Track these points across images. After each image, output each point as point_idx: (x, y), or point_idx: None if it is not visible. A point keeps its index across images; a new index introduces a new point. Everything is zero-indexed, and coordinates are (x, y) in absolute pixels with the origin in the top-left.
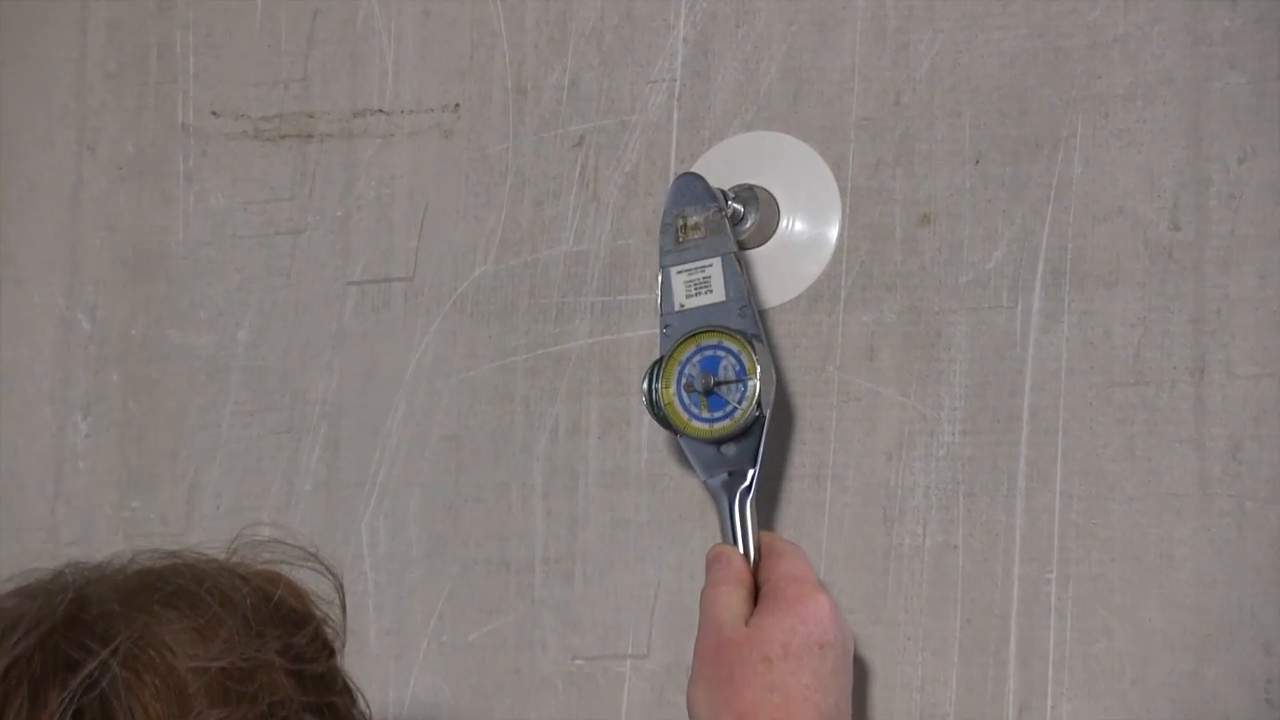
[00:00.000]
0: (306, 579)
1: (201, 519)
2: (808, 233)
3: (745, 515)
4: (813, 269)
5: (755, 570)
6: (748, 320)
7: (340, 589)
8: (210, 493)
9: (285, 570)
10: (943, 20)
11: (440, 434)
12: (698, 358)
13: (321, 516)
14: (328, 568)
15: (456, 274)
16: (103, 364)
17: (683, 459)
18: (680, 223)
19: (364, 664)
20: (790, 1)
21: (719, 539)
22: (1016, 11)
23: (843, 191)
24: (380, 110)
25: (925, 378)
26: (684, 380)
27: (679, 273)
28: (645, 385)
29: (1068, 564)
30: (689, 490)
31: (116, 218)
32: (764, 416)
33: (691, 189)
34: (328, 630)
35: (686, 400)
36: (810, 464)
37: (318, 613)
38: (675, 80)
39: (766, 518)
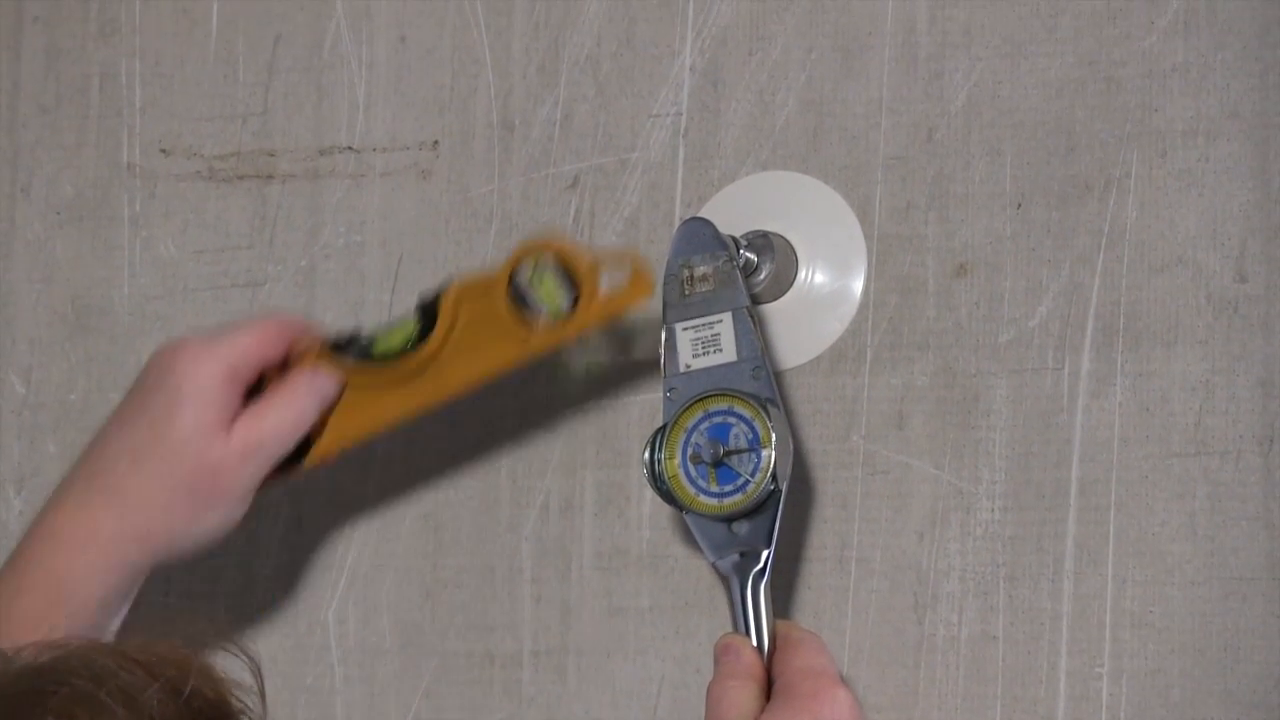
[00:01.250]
0: (220, 663)
1: (150, 607)
2: (829, 285)
3: (758, 601)
4: (835, 326)
5: (769, 663)
6: (762, 383)
7: (258, 674)
8: (159, 577)
9: (197, 653)
10: (981, 47)
11: (417, 511)
12: (706, 425)
13: (284, 604)
14: (242, 649)
15: None
16: (38, 432)
17: (689, 538)
18: (686, 274)
19: None
20: (810, 26)
21: (728, 628)
22: (1064, 37)
23: (868, 239)
24: (349, 148)
25: (961, 448)
26: (690, 450)
27: (685, 330)
28: (647, 456)
29: (1121, 657)
30: (696, 573)
31: (53, 268)
32: (780, 491)
33: (699, 236)
34: None
35: (693, 472)
36: (832, 544)
37: (236, 703)
38: (681, 114)
39: (783, 604)
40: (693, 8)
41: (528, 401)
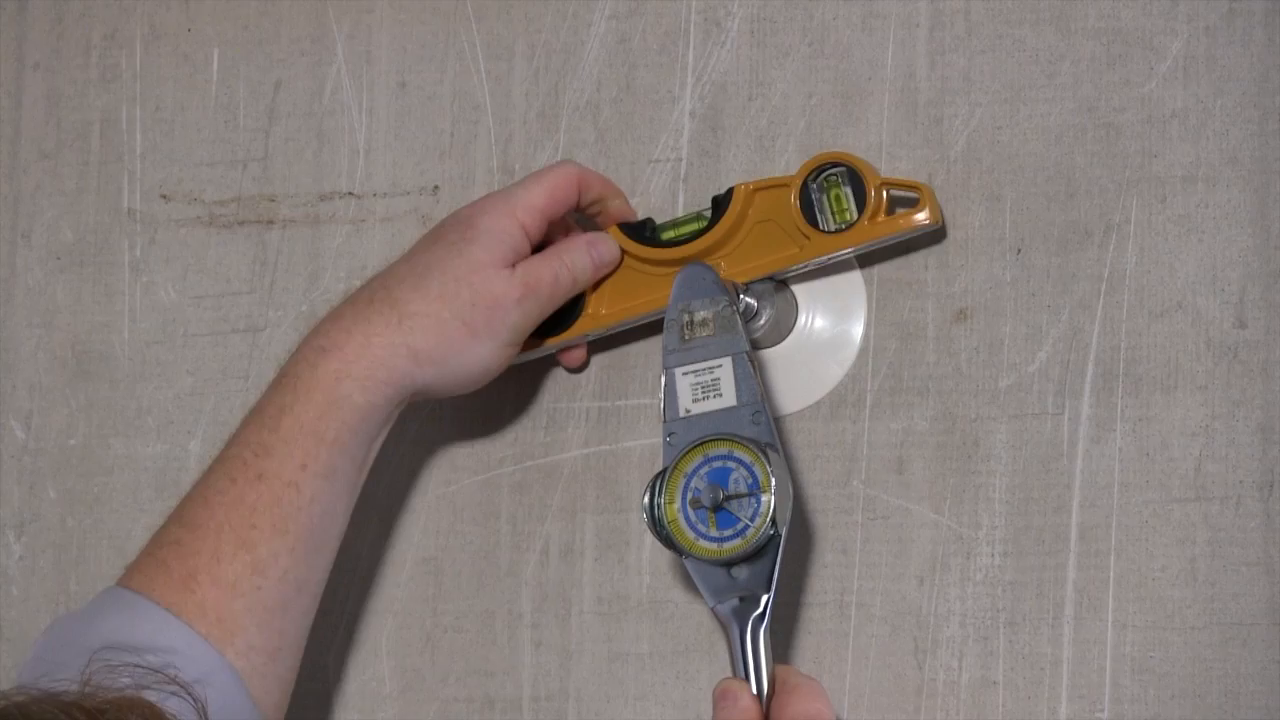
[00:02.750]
0: (168, 705)
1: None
2: (829, 330)
3: (758, 646)
4: (835, 371)
5: (767, 708)
6: (762, 428)
7: (204, 714)
8: None
9: (146, 695)
10: (980, 92)
11: (417, 556)
12: (705, 469)
13: None
14: (187, 690)
15: None
16: (38, 477)
17: (689, 583)
18: (686, 319)
19: None
20: (810, 71)
21: (728, 672)
22: (1063, 83)
23: (868, 284)
24: (350, 193)
25: (961, 493)
26: (690, 495)
27: (685, 374)
28: (646, 500)
29: (1121, 702)
30: (696, 619)
31: (53, 313)
32: (779, 535)
33: (699, 281)
34: None
35: (693, 517)
36: (832, 589)
37: None
38: (681, 159)
39: (783, 649)
40: (692, 54)
41: (527, 446)
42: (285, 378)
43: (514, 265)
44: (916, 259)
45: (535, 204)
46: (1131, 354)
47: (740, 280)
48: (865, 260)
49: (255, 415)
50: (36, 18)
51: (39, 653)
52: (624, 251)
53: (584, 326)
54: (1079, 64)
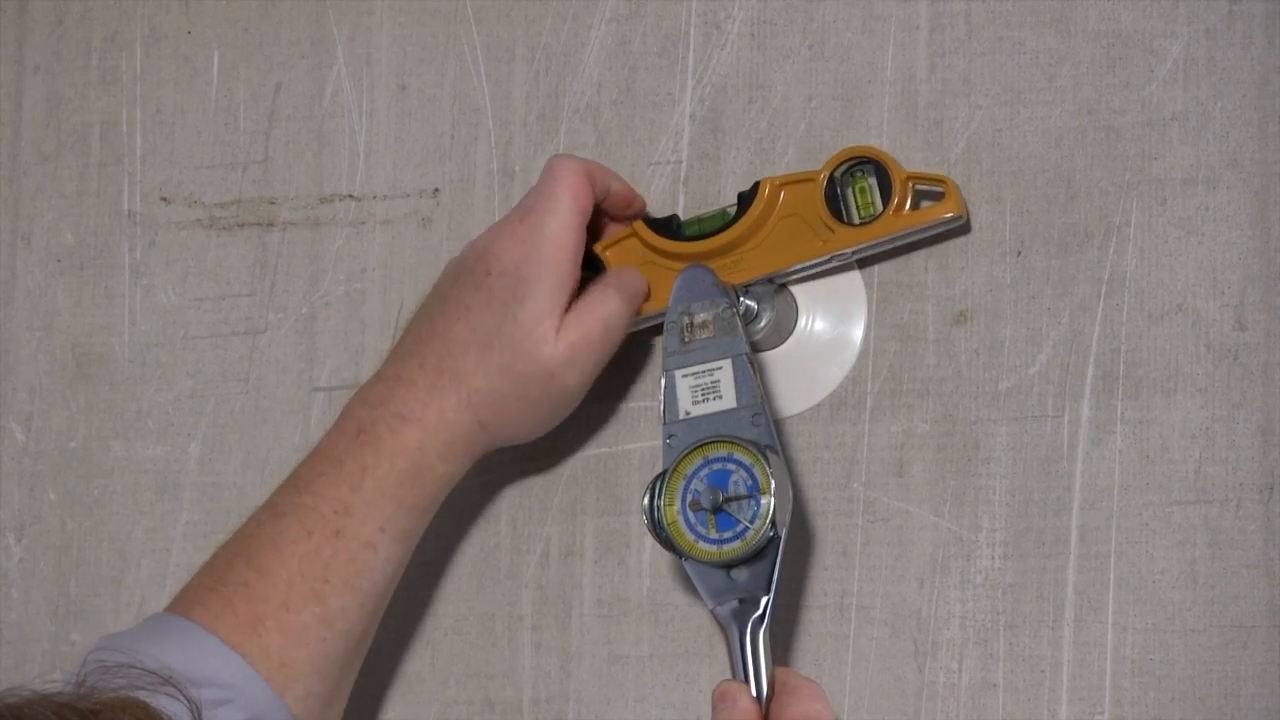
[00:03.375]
0: (164, 706)
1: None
2: (829, 332)
3: (757, 648)
4: (835, 373)
5: (766, 710)
6: (761, 430)
7: (198, 714)
8: None
9: (141, 696)
10: (980, 95)
11: (417, 558)
12: (705, 471)
13: None
14: (181, 691)
15: None
16: (38, 480)
17: (689, 586)
18: (686, 321)
19: None
20: (810, 74)
21: (728, 675)
22: (1063, 86)
23: (868, 286)
24: (350, 195)
25: (961, 495)
26: (690, 497)
27: (685, 376)
28: (646, 502)
29: (1121, 705)
30: (696, 621)
31: (54, 315)
32: (779, 537)
33: (699, 283)
34: None
35: (692, 519)
36: (833, 592)
37: None
38: (681, 162)
39: (782, 651)
40: (693, 56)
41: (527, 448)
42: (364, 435)
43: (563, 315)
44: (916, 261)
45: (572, 228)
46: (1132, 356)
47: (766, 273)
48: (865, 263)
49: (333, 467)
50: (37, 20)
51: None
52: (649, 246)
53: None
54: (1079, 66)
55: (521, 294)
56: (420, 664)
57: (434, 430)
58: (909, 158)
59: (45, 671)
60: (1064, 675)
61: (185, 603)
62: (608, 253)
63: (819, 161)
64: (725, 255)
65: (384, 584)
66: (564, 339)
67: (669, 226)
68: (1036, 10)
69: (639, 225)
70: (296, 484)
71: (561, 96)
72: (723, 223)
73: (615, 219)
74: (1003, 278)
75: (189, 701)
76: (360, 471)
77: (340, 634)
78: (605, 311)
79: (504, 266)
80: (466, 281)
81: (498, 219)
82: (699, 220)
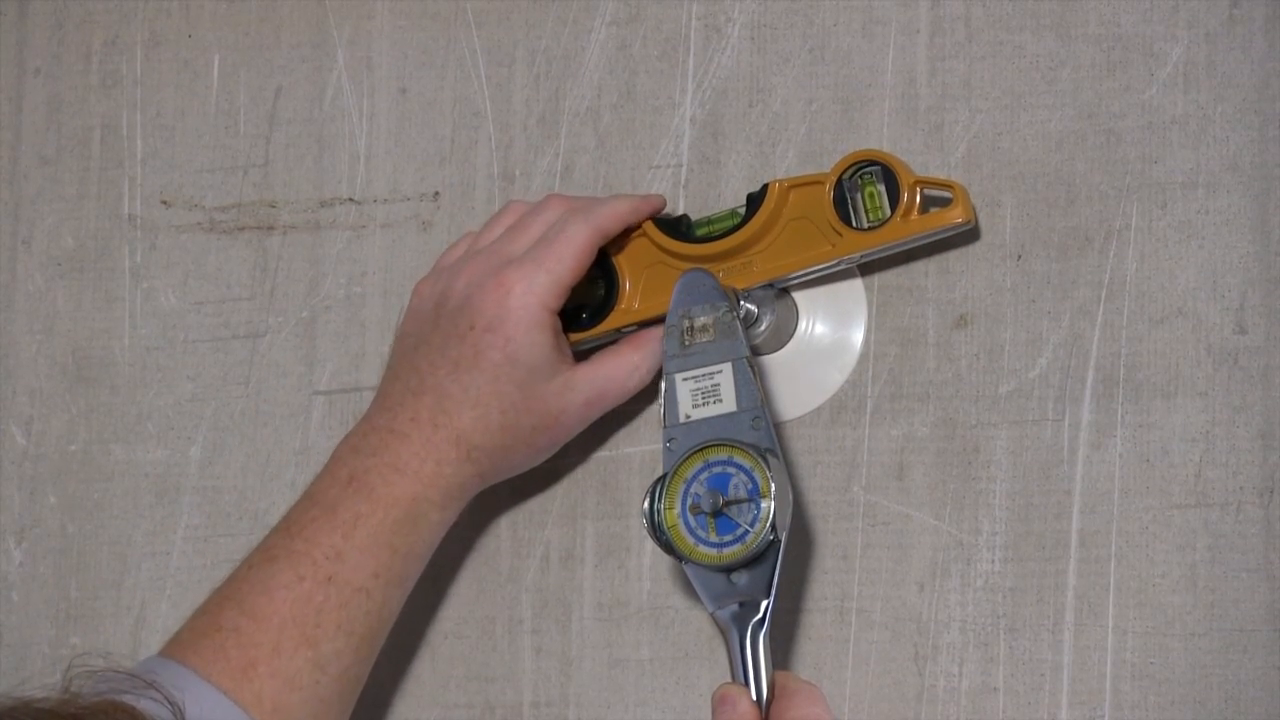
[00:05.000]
0: (148, 709)
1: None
2: (829, 336)
3: (757, 652)
4: (835, 377)
5: (766, 714)
6: (761, 433)
7: (181, 718)
8: (159, 627)
9: (126, 700)
10: (981, 99)
11: None
12: (705, 475)
13: None
14: (166, 697)
15: None
16: (38, 483)
17: (689, 589)
18: (686, 324)
19: None
20: (810, 77)
21: (728, 678)
22: (1063, 89)
23: (869, 290)
24: (350, 199)
25: (961, 499)
26: (690, 500)
27: (685, 380)
28: (646, 506)
29: (1121, 708)
30: (696, 624)
31: (54, 319)
32: (779, 541)
33: (699, 287)
34: None
35: (692, 522)
36: (833, 595)
37: None
38: (681, 165)
39: (783, 655)
40: (693, 60)
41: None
42: (357, 483)
43: (567, 359)
44: (917, 265)
45: (564, 284)
46: (1132, 360)
47: (775, 277)
48: (866, 267)
49: (325, 513)
50: (37, 23)
51: None
52: (659, 246)
53: (617, 321)
54: (1079, 70)
55: (512, 355)
56: (420, 667)
57: (430, 482)
58: (909, 161)
59: (45, 675)
60: (1064, 679)
61: (178, 647)
62: (617, 254)
63: (819, 165)
64: (735, 257)
65: (378, 627)
66: (580, 394)
67: (679, 227)
68: (1037, 14)
69: (649, 226)
70: (289, 528)
71: (562, 100)
72: (733, 224)
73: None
74: (1003, 281)
75: (171, 705)
76: (353, 519)
77: (334, 678)
78: (626, 379)
79: (479, 321)
80: (448, 331)
81: None
82: (709, 221)
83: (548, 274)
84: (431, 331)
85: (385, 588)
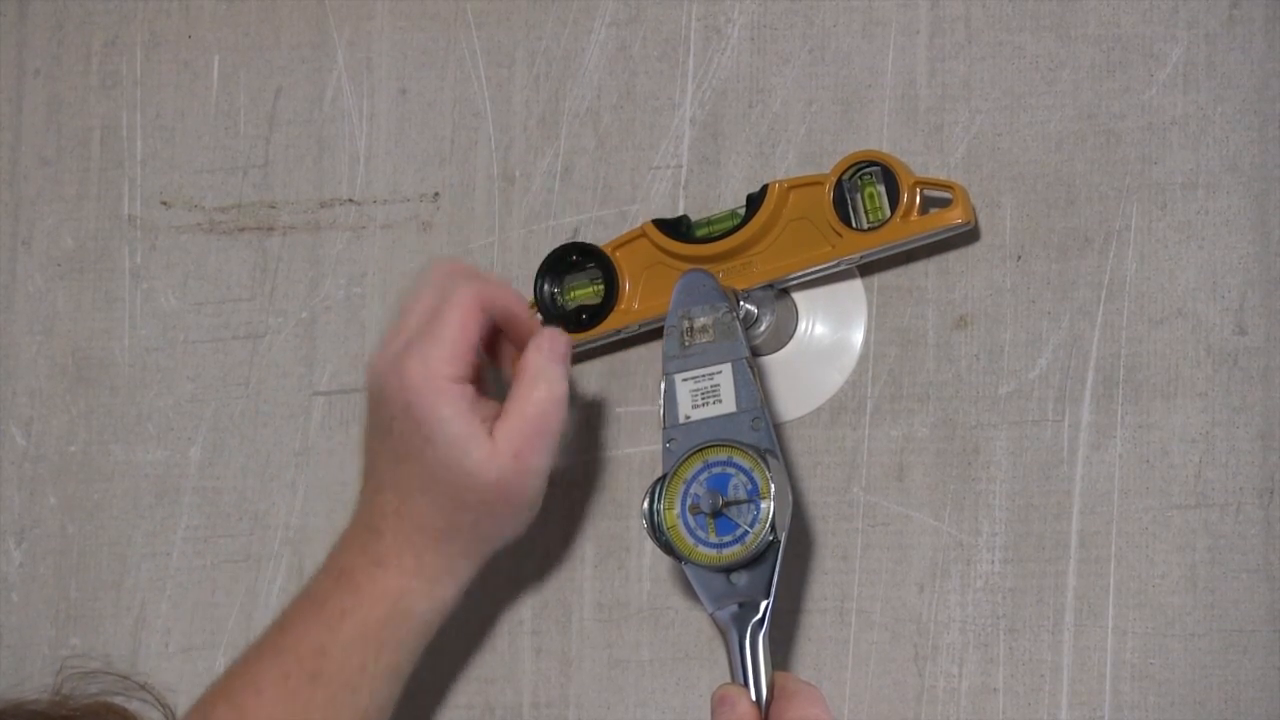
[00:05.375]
0: (139, 711)
1: (149, 657)
2: (829, 337)
3: (757, 652)
4: (835, 377)
5: (766, 714)
6: (761, 434)
7: (172, 718)
8: (159, 628)
9: (117, 701)
10: (980, 99)
11: None
12: (705, 475)
13: None
14: (157, 698)
15: None
16: (38, 484)
17: (689, 590)
18: (686, 325)
19: None
20: (810, 78)
21: (728, 679)
22: (1063, 90)
23: (869, 290)
24: (350, 200)
25: (961, 500)
26: (689, 501)
27: (685, 380)
28: (646, 506)
29: (1121, 709)
30: (696, 625)
31: (54, 319)
32: (778, 542)
33: (699, 287)
34: None
35: (692, 523)
36: (833, 596)
37: None
38: (681, 166)
39: (783, 656)
40: (693, 60)
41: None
42: (344, 579)
43: (490, 426)
44: (917, 266)
45: (459, 347)
46: (1132, 361)
47: (775, 278)
48: (866, 267)
49: (314, 609)
50: (37, 24)
51: None
52: (658, 247)
53: (616, 322)
54: (1079, 71)
55: (425, 434)
56: (420, 668)
57: (413, 572)
58: (909, 162)
59: (45, 675)
60: (1064, 679)
61: None
62: (617, 254)
63: (819, 166)
64: (735, 258)
65: (368, 717)
66: (502, 453)
67: (679, 228)
68: (1036, 15)
69: (648, 226)
70: (281, 623)
71: (562, 101)
72: (732, 225)
73: (514, 342)
74: (1003, 282)
75: (164, 707)
76: (339, 615)
77: None
78: (537, 402)
79: (394, 411)
80: (380, 426)
81: (497, 224)
82: (709, 222)
83: (438, 344)
84: (372, 426)
85: (374, 681)
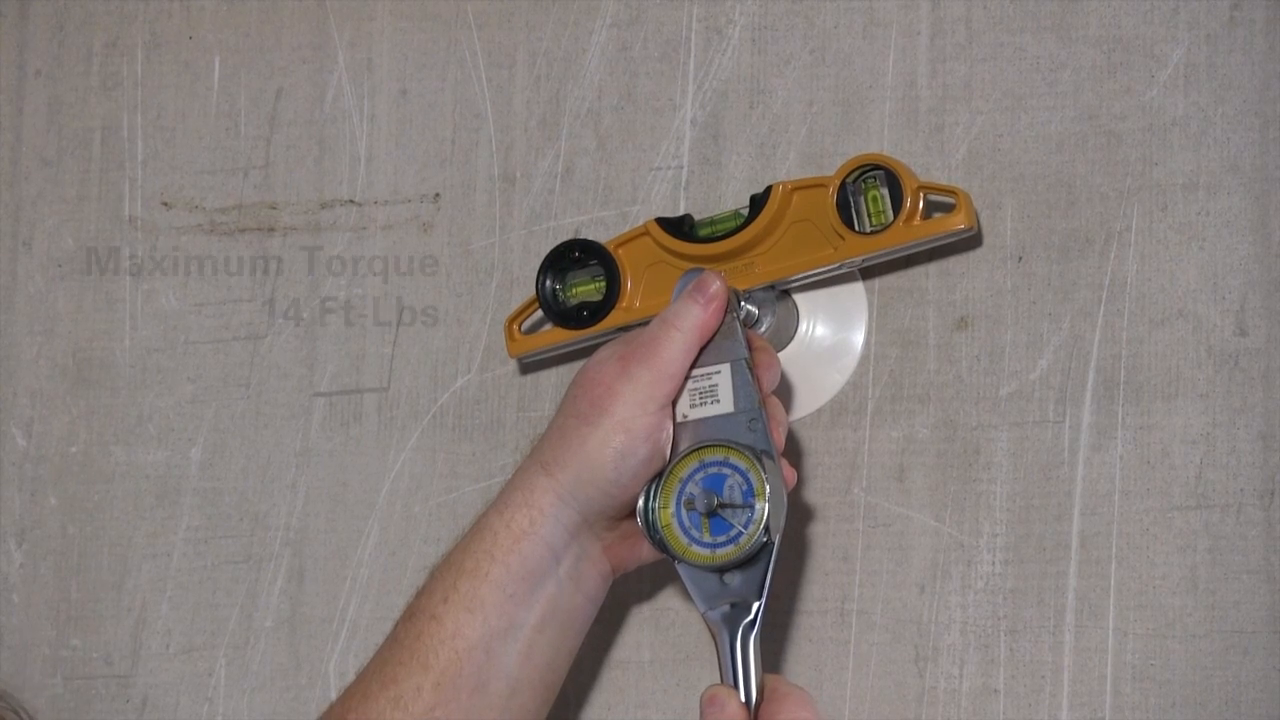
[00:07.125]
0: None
1: (149, 658)
2: (830, 338)
3: (747, 654)
4: (836, 379)
5: (755, 716)
6: (758, 435)
7: None
8: (159, 629)
9: None
10: (981, 100)
11: (418, 564)
12: (700, 475)
13: (284, 656)
14: (16, 709)
15: (436, 384)
16: (39, 485)
17: (687, 591)
18: None
19: None
20: (811, 79)
21: (719, 680)
22: (1064, 91)
23: (869, 292)
24: (351, 201)
25: (962, 501)
26: (684, 499)
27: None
28: (641, 504)
29: (1122, 710)
30: (696, 626)
31: (55, 320)
32: (772, 543)
33: None
34: None
35: (686, 522)
36: (834, 597)
37: None
38: (682, 167)
39: (783, 657)
40: (694, 61)
41: (526, 453)
42: (481, 540)
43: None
44: (917, 267)
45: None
46: (1132, 362)
47: (777, 279)
48: (866, 269)
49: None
50: (38, 25)
51: None
52: (661, 246)
53: (617, 319)
54: (1080, 72)
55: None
56: None
57: (505, 502)
58: (910, 163)
59: (45, 676)
60: (1065, 680)
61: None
62: (620, 251)
63: (820, 167)
64: (738, 258)
65: (460, 660)
66: (612, 349)
67: (682, 227)
68: (1037, 16)
69: (651, 225)
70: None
71: (562, 102)
72: (736, 225)
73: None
74: (1004, 283)
75: (26, 715)
76: (444, 557)
77: (418, 716)
78: (675, 321)
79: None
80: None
81: (498, 224)
82: (712, 222)
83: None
84: None
85: (455, 612)
